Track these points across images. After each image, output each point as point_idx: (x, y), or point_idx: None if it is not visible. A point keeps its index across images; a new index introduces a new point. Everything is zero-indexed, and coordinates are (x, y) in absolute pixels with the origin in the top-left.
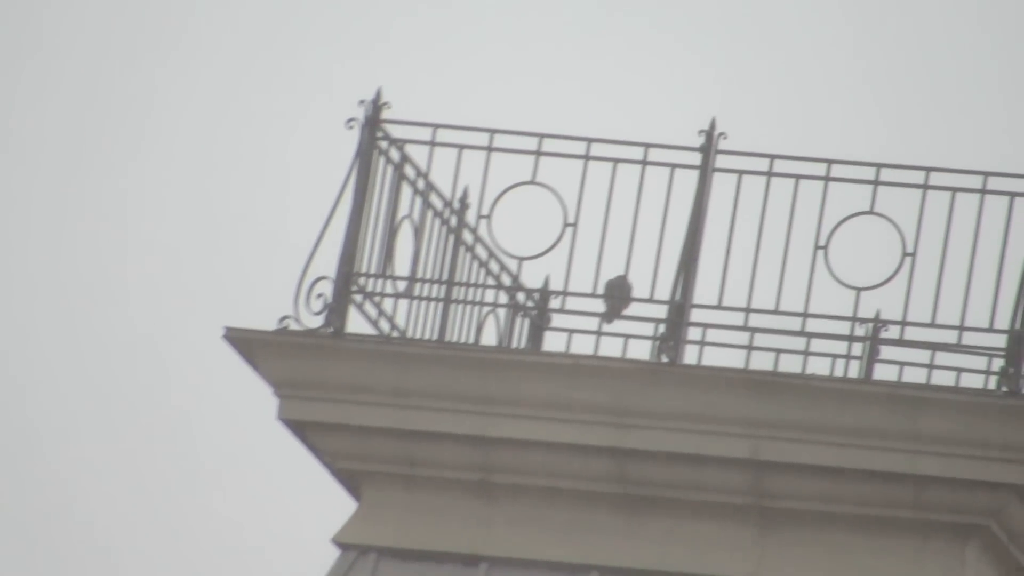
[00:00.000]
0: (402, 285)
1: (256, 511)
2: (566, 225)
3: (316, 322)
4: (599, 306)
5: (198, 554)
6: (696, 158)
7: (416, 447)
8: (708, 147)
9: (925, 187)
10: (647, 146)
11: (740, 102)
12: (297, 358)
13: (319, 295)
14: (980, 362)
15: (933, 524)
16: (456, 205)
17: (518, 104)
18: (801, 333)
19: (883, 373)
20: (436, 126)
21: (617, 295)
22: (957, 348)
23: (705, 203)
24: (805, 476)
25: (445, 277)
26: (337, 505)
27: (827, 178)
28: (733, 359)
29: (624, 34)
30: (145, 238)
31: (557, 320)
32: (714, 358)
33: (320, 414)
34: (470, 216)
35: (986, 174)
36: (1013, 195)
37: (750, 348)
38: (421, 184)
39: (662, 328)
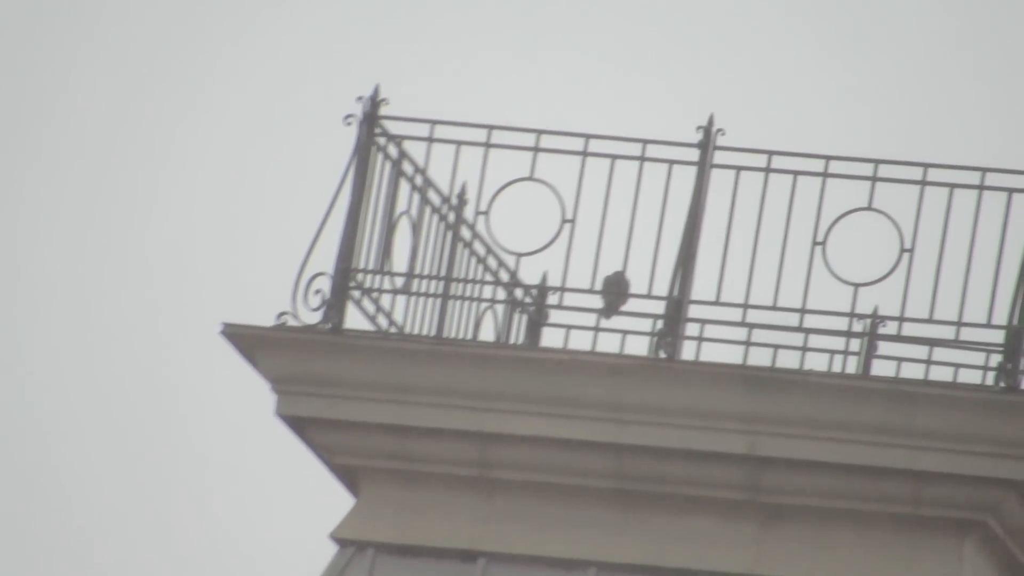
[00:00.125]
0: (400, 281)
1: (254, 507)
2: (564, 221)
3: (314, 318)
4: (597, 302)
5: (196, 550)
6: (694, 154)
7: (414, 443)
8: (706, 143)
9: (923, 183)
10: (645, 142)
11: (738, 98)
12: (295, 354)
13: (317, 291)
14: (978, 358)
15: (931, 520)
16: (454, 201)
17: (516, 100)
18: (799, 329)
19: (881, 369)
20: (434, 122)
21: (615, 291)
22: (955, 344)
23: (703, 199)
24: (803, 472)
25: (443, 273)
26: (335, 501)
27: (825, 174)
28: (731, 355)
29: (622, 30)
30: (142, 234)
31: (555, 316)
32: (712, 354)
33: (318, 410)
34: (468, 212)
35: (984, 170)
36: (1011, 191)
37: (748, 344)
38: (419, 180)
39: (660, 324)
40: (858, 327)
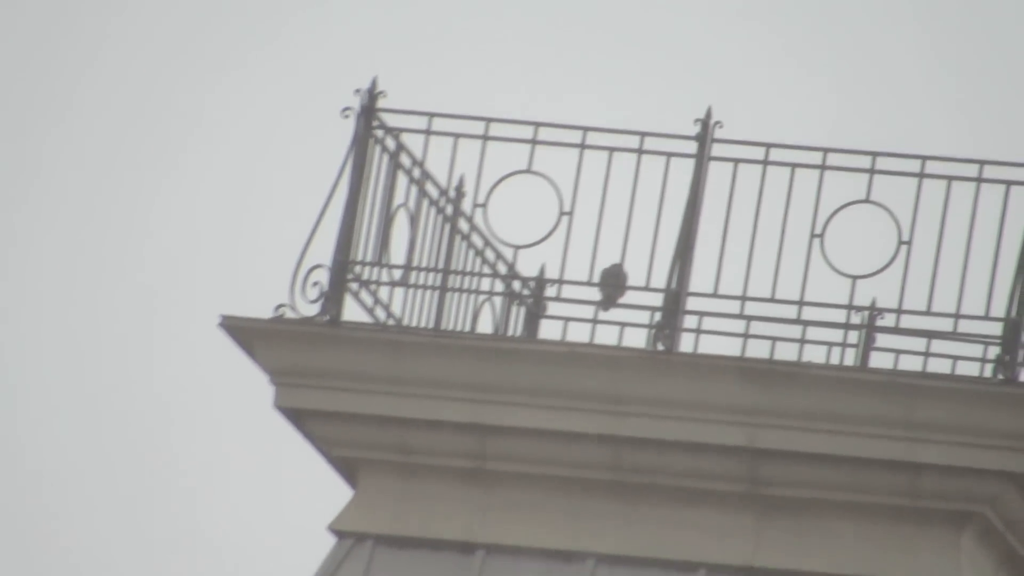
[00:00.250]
0: (398, 273)
1: (252, 499)
2: (562, 214)
3: (312, 310)
4: (595, 294)
5: (194, 541)
6: (692, 147)
7: (412, 435)
8: (704, 136)
9: (921, 175)
10: (643, 135)
11: (736, 91)
12: (293, 346)
13: (315, 283)
14: (976, 350)
15: (929, 512)
16: (452, 194)
17: (514, 93)
18: (797, 321)
19: (879, 361)
20: (432, 115)
21: (613, 283)
22: (953, 336)
23: (701, 191)
24: (801, 464)
25: (441, 265)
26: (333, 493)
27: (823, 166)
28: (729, 347)
29: (620, 22)
30: (140, 227)
31: (553, 308)
32: (710, 346)
33: (316, 402)
34: (466, 205)
35: (982, 162)
36: (1009, 183)
37: (746, 336)
38: (417, 173)
39: (658, 316)
40: (856, 319)
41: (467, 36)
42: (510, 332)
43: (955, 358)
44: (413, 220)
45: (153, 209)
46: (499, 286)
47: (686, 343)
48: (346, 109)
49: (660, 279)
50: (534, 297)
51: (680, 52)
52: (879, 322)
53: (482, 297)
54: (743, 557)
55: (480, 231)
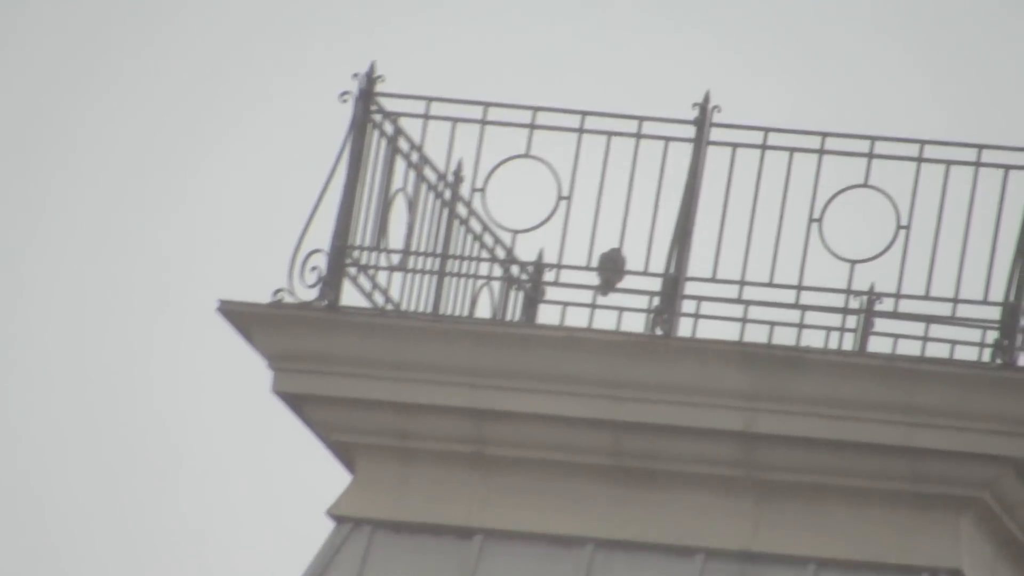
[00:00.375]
0: (396, 258)
1: (251, 484)
2: (560, 198)
3: (310, 295)
4: (593, 279)
5: (193, 528)
6: (690, 131)
7: (410, 420)
8: (702, 120)
9: (919, 160)
10: (641, 119)
11: (734, 75)
12: (291, 331)
13: (313, 268)
14: (974, 334)
15: (927, 496)
16: (450, 178)
17: (512, 77)
18: (795, 306)
19: (877, 346)
20: (430, 99)
21: (611, 268)
22: (951, 320)
23: (699, 176)
24: (800, 448)
25: (439, 250)
26: (332, 478)
27: (821, 151)
28: (727, 332)
29: (618, 7)
30: (138, 215)
31: (551, 293)
32: (708, 331)
33: (314, 387)
34: (464, 189)
35: (980, 147)
36: (1007, 168)
37: (744, 321)
38: (415, 157)
39: (656, 301)
40: (855, 304)
41: (465, 21)
42: (508, 317)
43: (954, 343)
44: (411, 205)
45: (151, 195)
46: (497, 271)
47: (685, 328)
48: (344, 93)
49: (658, 264)
50: (532, 282)
51: (678, 36)
52: (878, 307)
53: (480, 282)
54: (742, 542)
55: (478, 216)
